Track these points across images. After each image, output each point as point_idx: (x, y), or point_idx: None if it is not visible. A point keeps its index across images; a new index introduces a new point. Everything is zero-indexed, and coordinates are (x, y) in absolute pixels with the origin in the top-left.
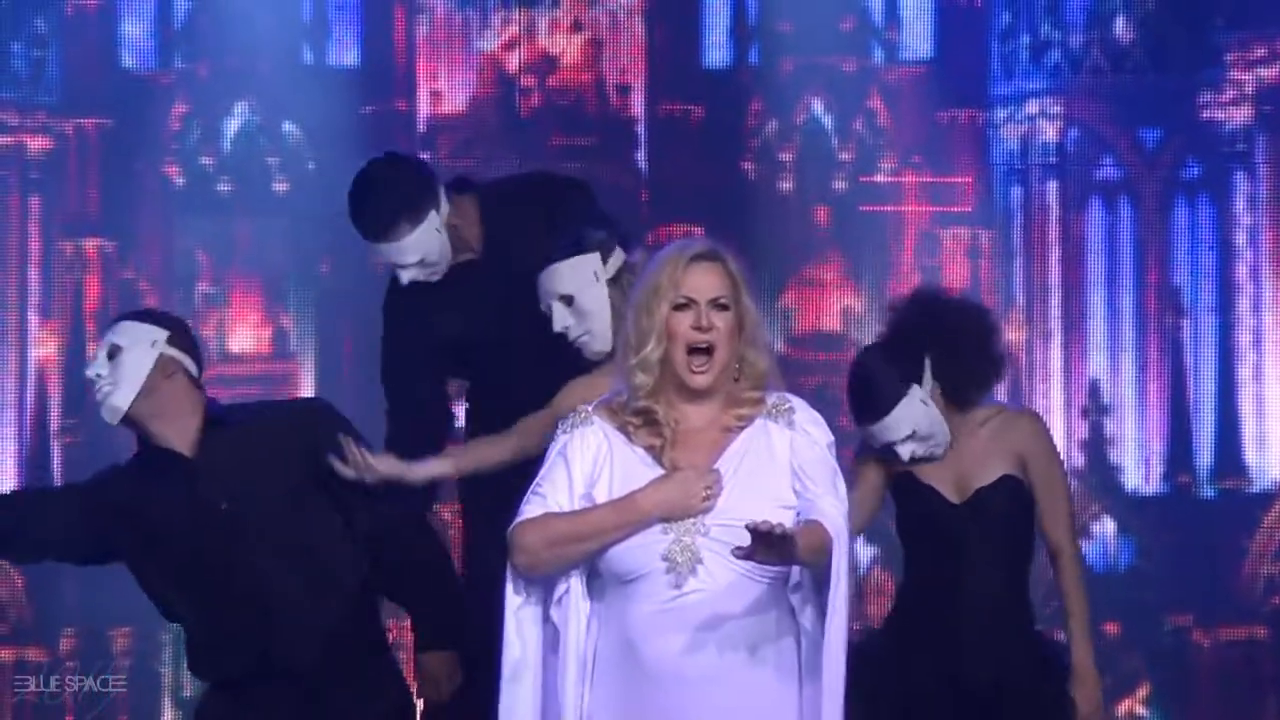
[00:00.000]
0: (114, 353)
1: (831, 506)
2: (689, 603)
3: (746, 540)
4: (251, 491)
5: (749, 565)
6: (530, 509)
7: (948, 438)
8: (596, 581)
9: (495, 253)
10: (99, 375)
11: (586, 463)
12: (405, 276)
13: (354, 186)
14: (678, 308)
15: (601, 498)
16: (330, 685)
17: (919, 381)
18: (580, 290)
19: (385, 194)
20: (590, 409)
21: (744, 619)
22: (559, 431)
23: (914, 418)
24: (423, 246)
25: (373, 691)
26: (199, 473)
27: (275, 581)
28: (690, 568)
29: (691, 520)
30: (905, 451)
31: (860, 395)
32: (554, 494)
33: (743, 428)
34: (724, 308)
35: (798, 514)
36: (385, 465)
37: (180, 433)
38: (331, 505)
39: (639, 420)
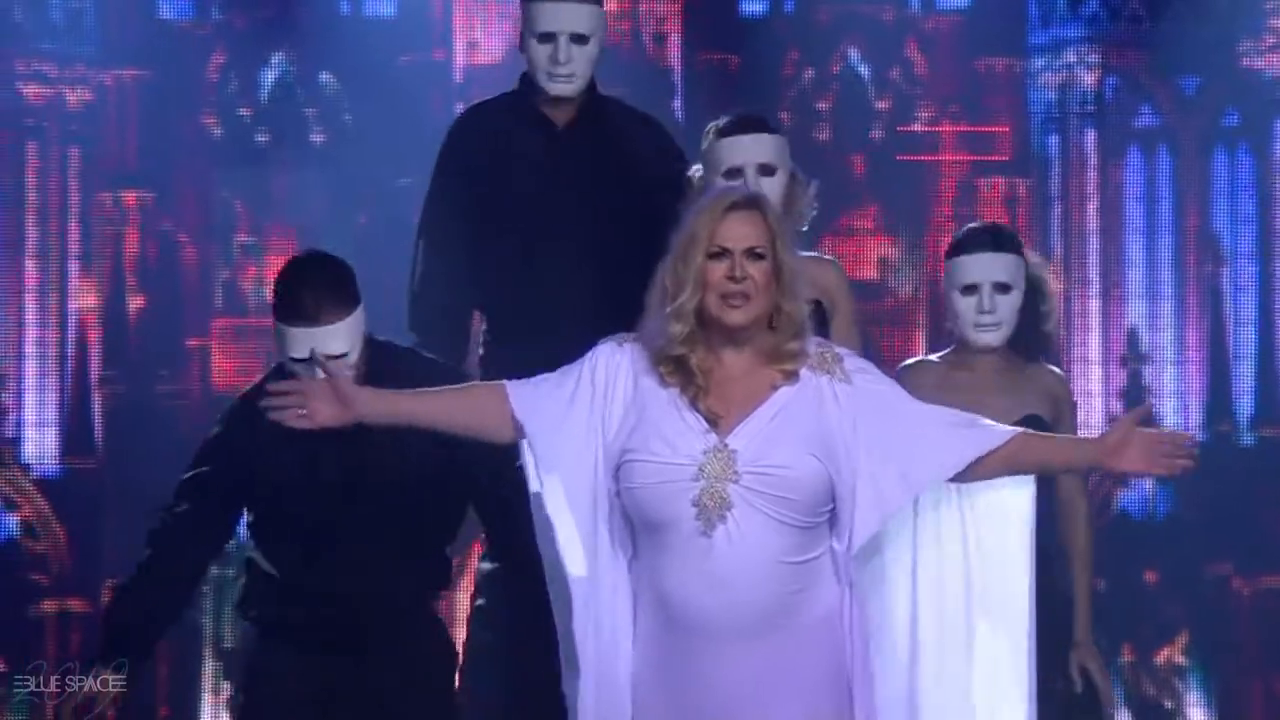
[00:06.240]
0: None
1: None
2: (717, 549)
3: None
4: (368, 455)
5: (781, 512)
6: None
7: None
8: (633, 533)
9: (600, 149)
10: None
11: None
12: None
13: None
14: (712, 256)
15: (613, 417)
16: (383, 634)
17: None
18: (784, 166)
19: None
20: (632, 338)
21: (774, 567)
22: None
23: None
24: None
25: (419, 639)
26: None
27: (372, 548)
28: (720, 514)
29: (723, 465)
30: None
31: None
32: (542, 385)
33: (789, 382)
34: (759, 257)
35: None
36: None
37: None
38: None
39: (671, 366)
